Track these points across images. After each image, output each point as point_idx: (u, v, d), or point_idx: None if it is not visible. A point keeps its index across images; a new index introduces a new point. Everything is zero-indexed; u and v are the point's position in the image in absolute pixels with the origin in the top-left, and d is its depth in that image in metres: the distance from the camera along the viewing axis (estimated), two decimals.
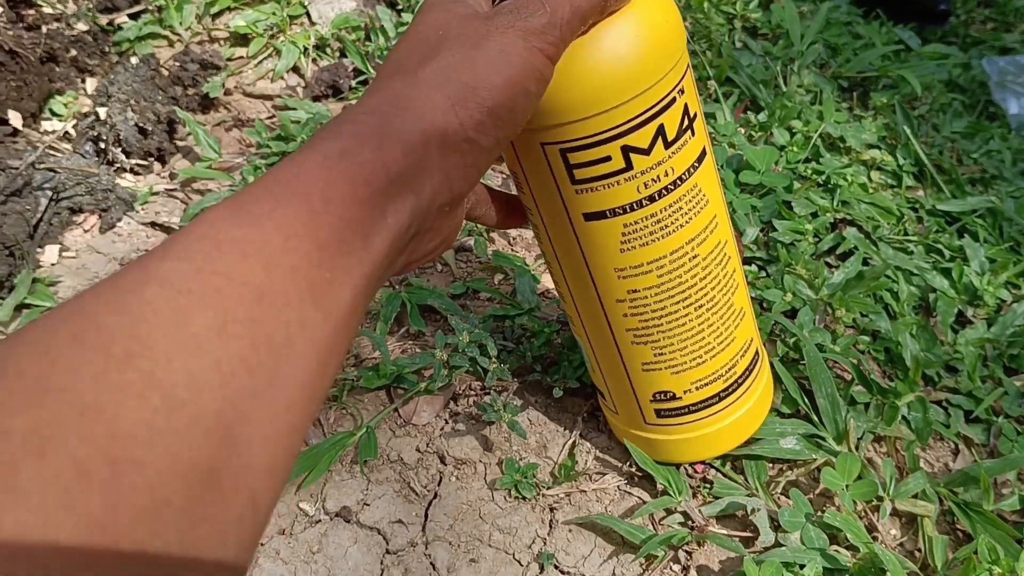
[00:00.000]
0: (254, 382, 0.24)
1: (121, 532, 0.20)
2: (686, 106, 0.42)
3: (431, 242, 0.36)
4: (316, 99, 0.95)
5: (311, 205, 0.27)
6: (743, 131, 0.90)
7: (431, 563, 0.57)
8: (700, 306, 0.48)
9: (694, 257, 0.46)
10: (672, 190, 0.43)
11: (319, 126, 0.87)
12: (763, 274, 0.74)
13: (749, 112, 0.94)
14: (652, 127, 0.41)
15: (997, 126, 1.03)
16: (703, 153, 0.44)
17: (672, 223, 0.44)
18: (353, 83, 0.97)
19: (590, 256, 0.46)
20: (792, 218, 0.78)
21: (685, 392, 0.53)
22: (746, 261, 0.75)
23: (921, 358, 0.67)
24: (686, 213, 0.44)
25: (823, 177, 0.84)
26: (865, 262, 0.76)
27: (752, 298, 0.71)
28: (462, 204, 0.39)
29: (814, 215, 0.80)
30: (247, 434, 0.23)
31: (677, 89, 0.41)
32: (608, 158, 0.41)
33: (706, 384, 0.53)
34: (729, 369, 0.53)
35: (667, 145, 0.42)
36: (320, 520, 0.59)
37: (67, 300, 0.23)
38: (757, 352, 0.56)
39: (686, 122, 0.42)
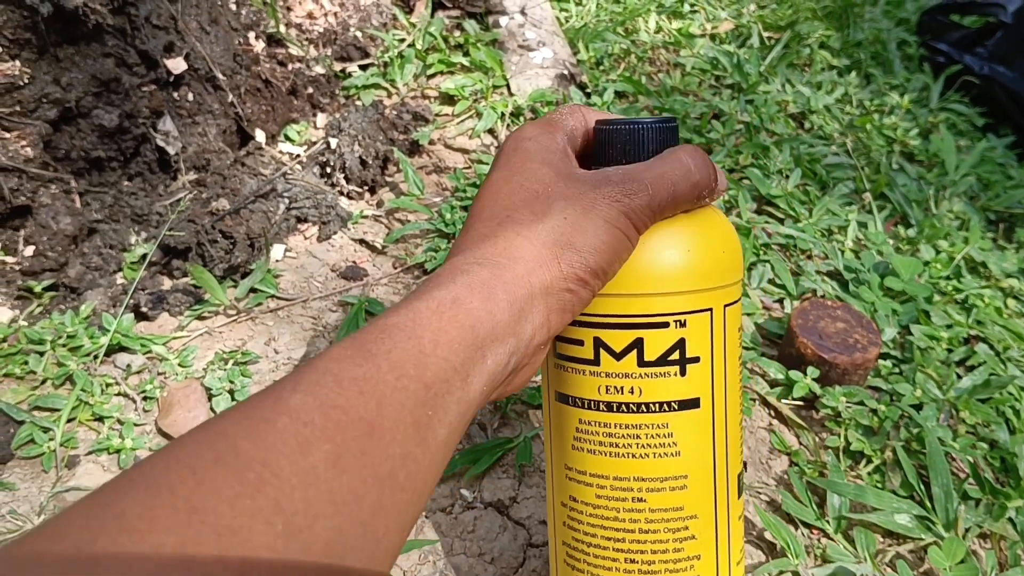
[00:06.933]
0: (360, 512, 0.27)
1: None
2: (682, 341, 0.41)
3: (524, 376, 0.39)
4: None
5: (422, 347, 0.31)
6: (892, 242, 0.97)
7: None
8: (632, 560, 0.42)
9: (639, 500, 0.42)
10: (633, 412, 0.41)
11: None
12: (896, 370, 0.81)
13: (899, 226, 1.01)
14: (628, 335, 0.40)
15: None
16: (693, 404, 0.41)
17: (624, 447, 0.41)
18: None
19: (552, 441, 0.45)
20: (929, 325, 0.85)
21: None
22: (881, 356, 0.81)
23: None
24: (643, 447, 0.41)
25: (962, 295, 0.90)
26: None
27: (882, 390, 0.78)
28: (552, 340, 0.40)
29: (949, 327, 0.86)
30: (351, 561, 0.26)
31: (676, 319, 0.40)
32: (581, 342, 0.41)
33: None
34: None
35: (641, 363, 0.40)
36: (476, 507, 0.68)
37: (209, 420, 0.27)
38: None
39: (676, 356, 0.41)
